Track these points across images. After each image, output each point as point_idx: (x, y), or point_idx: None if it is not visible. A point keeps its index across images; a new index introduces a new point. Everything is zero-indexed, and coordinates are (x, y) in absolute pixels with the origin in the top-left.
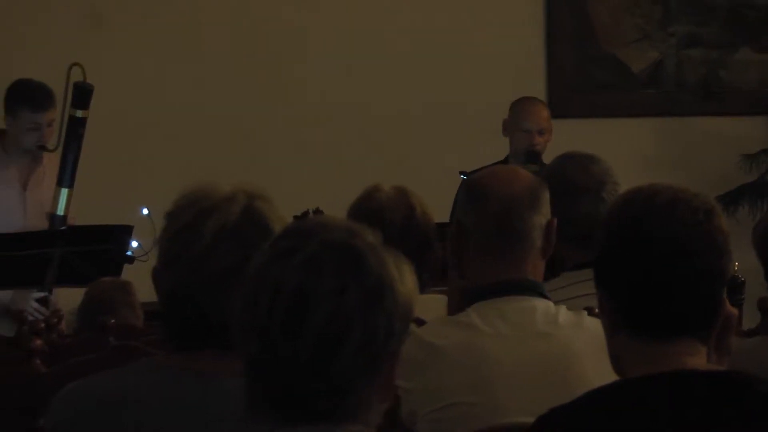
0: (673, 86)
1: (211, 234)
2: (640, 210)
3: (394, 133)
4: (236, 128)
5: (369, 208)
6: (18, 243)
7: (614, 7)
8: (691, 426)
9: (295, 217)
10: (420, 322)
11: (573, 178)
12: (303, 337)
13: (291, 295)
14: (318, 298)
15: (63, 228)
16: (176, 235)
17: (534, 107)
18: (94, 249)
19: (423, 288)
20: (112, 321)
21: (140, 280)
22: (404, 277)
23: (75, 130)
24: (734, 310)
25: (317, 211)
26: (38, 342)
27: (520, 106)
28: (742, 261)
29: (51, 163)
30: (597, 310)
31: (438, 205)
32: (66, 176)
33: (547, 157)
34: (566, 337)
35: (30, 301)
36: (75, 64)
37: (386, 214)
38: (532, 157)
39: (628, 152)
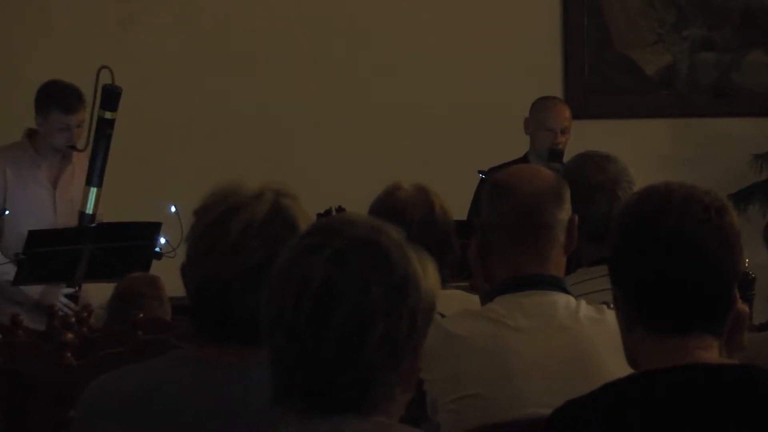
0: (686, 88)
1: (238, 231)
2: (654, 208)
3: (413, 132)
4: (261, 128)
5: (390, 205)
6: (49, 239)
7: (630, 11)
8: (704, 418)
9: (319, 214)
10: (441, 316)
11: (589, 176)
12: (328, 331)
13: (317, 290)
14: (343, 292)
15: (93, 225)
16: (205, 232)
17: (557, 107)
18: (124, 245)
19: (443, 283)
20: (141, 315)
21: (168, 276)
22: (427, 273)
23: (103, 131)
24: (745, 308)
25: (340, 209)
26: (69, 335)
27: (543, 106)
28: (752, 258)
29: (80, 161)
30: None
31: (456, 202)
32: (95, 176)
33: (565, 157)
34: (586, 331)
35: (60, 297)
36: (104, 67)
37: (407, 211)
38: (555, 155)
39: (643, 152)
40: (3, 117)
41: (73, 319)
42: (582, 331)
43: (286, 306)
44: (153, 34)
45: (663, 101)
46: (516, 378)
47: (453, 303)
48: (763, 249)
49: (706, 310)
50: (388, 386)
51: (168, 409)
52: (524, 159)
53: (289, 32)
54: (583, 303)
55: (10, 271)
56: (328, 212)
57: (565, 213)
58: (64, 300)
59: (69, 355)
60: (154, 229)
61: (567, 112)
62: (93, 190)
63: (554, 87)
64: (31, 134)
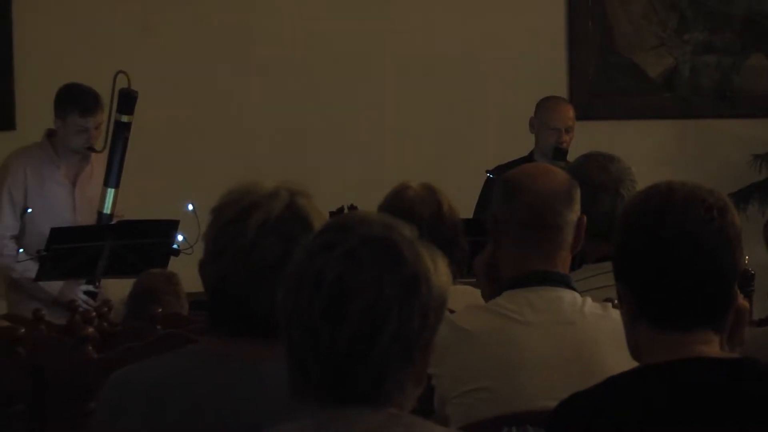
0: (688, 90)
1: (254, 228)
2: (657, 208)
3: (421, 133)
4: (275, 130)
5: (399, 204)
6: (71, 236)
7: (633, 16)
8: (707, 411)
9: (331, 212)
10: (449, 312)
11: (593, 176)
12: (342, 326)
13: (331, 286)
14: (357, 288)
15: (113, 222)
16: (222, 230)
17: (561, 106)
18: (143, 242)
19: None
20: (159, 310)
21: (185, 272)
22: (439, 270)
23: (120, 134)
24: (745, 304)
25: (352, 207)
26: (90, 330)
27: (548, 105)
28: (752, 255)
29: (99, 161)
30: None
31: (463, 201)
32: (112, 177)
33: (571, 157)
34: (591, 326)
35: (78, 293)
36: (120, 71)
37: (416, 210)
38: (559, 154)
39: (646, 152)
40: (27, 118)
41: (94, 314)
42: (587, 326)
43: (301, 302)
44: (168, 39)
45: (665, 103)
46: (523, 372)
47: (461, 299)
48: (762, 246)
49: (708, 307)
50: (400, 379)
51: (186, 402)
52: (529, 157)
53: (302, 35)
54: (588, 299)
55: (31, 268)
56: (340, 210)
57: (574, 214)
58: (83, 296)
59: (90, 348)
60: (172, 226)
61: (571, 112)
62: (110, 191)
63: (560, 89)
64: (50, 135)
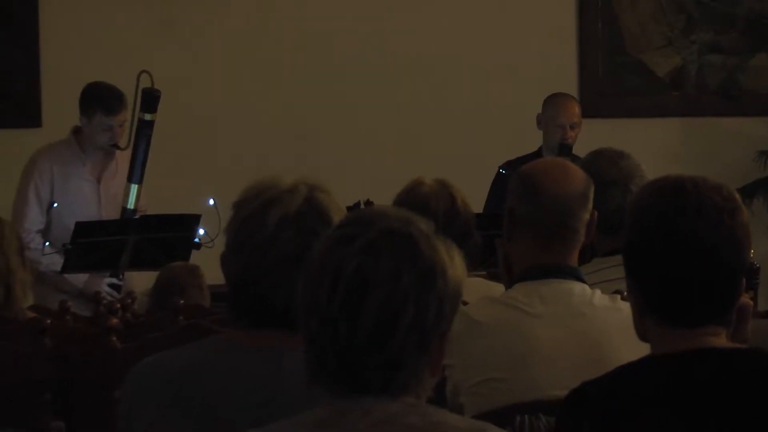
0: (695, 89)
1: (274, 222)
2: (668, 208)
3: (435, 130)
4: (293, 127)
5: (414, 199)
6: (95, 230)
7: (641, 17)
8: (713, 400)
9: (348, 207)
10: (463, 304)
11: (604, 172)
12: (361, 317)
13: (350, 278)
14: (375, 281)
15: (136, 217)
16: (243, 224)
17: (566, 103)
18: (165, 236)
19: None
20: (182, 302)
21: (207, 265)
22: (454, 262)
23: (144, 131)
24: (749, 301)
25: (368, 203)
26: (114, 321)
27: (554, 102)
28: (757, 248)
29: (122, 158)
30: (626, 293)
31: (475, 196)
32: (135, 174)
33: (581, 153)
34: (600, 317)
35: (103, 286)
36: (144, 71)
37: (430, 204)
38: (564, 150)
39: (654, 149)
40: (52, 116)
41: (118, 306)
42: (597, 317)
43: (320, 294)
44: (189, 39)
45: (673, 101)
46: (535, 362)
47: (474, 291)
48: (767, 239)
49: (716, 305)
50: (416, 369)
51: (207, 391)
52: (538, 153)
53: (317, 36)
54: (597, 291)
55: (57, 261)
56: (356, 205)
57: (588, 213)
58: (107, 289)
59: (114, 339)
60: (194, 220)
61: (576, 109)
62: (134, 187)
63: (570, 87)
64: (76, 132)
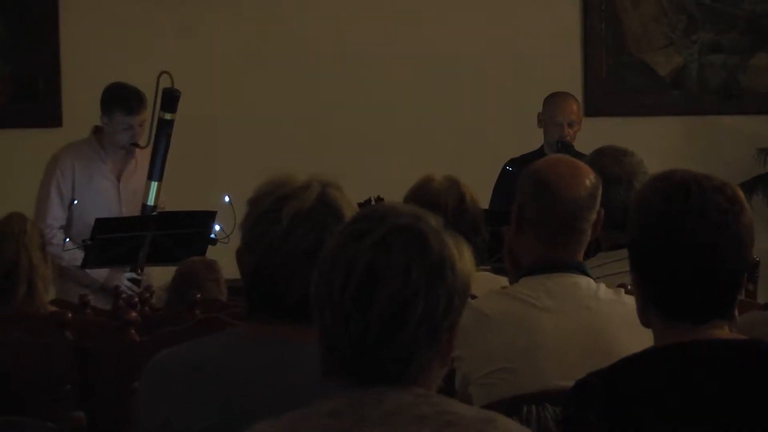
0: (696, 88)
1: (288, 218)
2: (672, 210)
3: (443, 128)
4: (305, 126)
5: (424, 195)
6: (114, 227)
7: (644, 18)
8: (716, 390)
9: (359, 204)
10: (472, 297)
11: (608, 169)
12: (372, 310)
13: (362, 273)
14: (386, 275)
15: (154, 213)
16: (258, 220)
17: (564, 101)
18: (182, 232)
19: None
20: (199, 296)
21: (222, 260)
22: (463, 256)
23: (164, 130)
24: None
25: (379, 199)
26: (133, 314)
27: (552, 101)
28: (757, 242)
29: (142, 156)
30: (629, 286)
31: (483, 193)
32: (155, 171)
33: (585, 151)
34: (605, 310)
35: (123, 280)
36: (164, 72)
37: (440, 200)
38: (563, 147)
39: (657, 147)
40: (73, 116)
41: (137, 300)
42: (602, 310)
43: (333, 288)
44: (206, 41)
45: (675, 100)
46: (542, 354)
47: (482, 284)
48: (766, 234)
49: (719, 302)
50: (427, 360)
51: (224, 382)
52: (540, 151)
53: (329, 37)
54: (602, 285)
55: (78, 256)
56: (367, 202)
57: (596, 213)
58: (127, 283)
59: (133, 332)
60: (210, 217)
61: (575, 106)
62: (154, 184)
63: (574, 87)
64: (97, 131)
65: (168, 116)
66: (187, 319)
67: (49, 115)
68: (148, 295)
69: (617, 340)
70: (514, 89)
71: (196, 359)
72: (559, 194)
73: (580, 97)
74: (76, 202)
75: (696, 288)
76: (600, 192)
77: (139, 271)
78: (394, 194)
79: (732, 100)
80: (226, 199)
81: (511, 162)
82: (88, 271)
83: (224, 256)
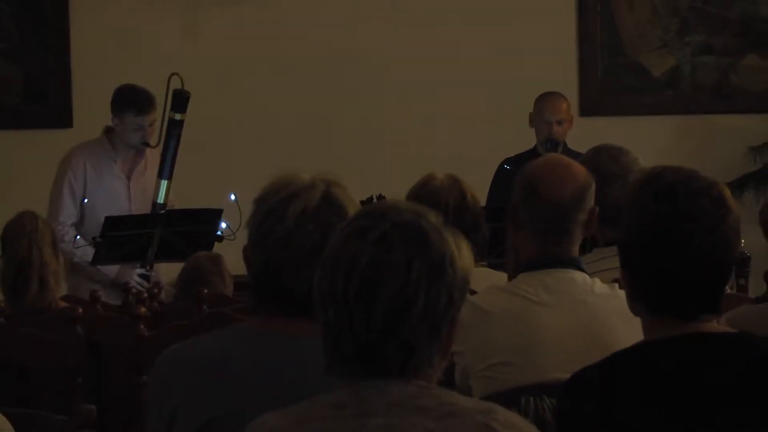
0: (689, 88)
1: (294, 217)
2: (659, 213)
3: (442, 127)
4: (310, 126)
5: (427, 193)
6: (124, 224)
7: (638, 20)
8: (707, 382)
9: (362, 202)
10: (471, 293)
11: (604, 166)
12: (375, 305)
13: (365, 269)
14: (388, 270)
15: (162, 211)
16: (264, 218)
17: (552, 100)
18: (190, 229)
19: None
20: (206, 291)
21: (228, 257)
22: (462, 253)
23: (174, 130)
24: None
25: (380, 197)
26: (142, 309)
27: (541, 100)
28: (747, 238)
29: (152, 155)
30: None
31: (481, 191)
32: (165, 170)
33: (581, 150)
34: (601, 304)
35: (134, 275)
36: (174, 73)
37: (442, 198)
38: (552, 144)
39: (651, 145)
40: (83, 117)
41: (146, 295)
42: (597, 305)
43: (337, 283)
44: (212, 44)
45: (668, 100)
46: (539, 347)
47: (482, 280)
48: (757, 229)
49: (707, 298)
50: (428, 354)
51: (231, 375)
52: (534, 149)
53: (333, 39)
54: (597, 280)
55: (89, 253)
56: (369, 199)
57: (585, 213)
58: (138, 279)
59: (142, 327)
60: (216, 215)
61: (563, 105)
62: (164, 183)
63: (570, 87)
64: (108, 132)
65: (178, 116)
66: (195, 314)
67: (60, 116)
68: (156, 290)
69: (612, 334)
70: (513, 89)
71: (204, 353)
72: (544, 196)
73: (576, 96)
74: (86, 201)
75: (684, 287)
76: (591, 191)
77: (149, 267)
78: (396, 192)
79: (724, 99)
80: (232, 197)
81: (507, 161)
82: (100, 267)
83: (230, 253)
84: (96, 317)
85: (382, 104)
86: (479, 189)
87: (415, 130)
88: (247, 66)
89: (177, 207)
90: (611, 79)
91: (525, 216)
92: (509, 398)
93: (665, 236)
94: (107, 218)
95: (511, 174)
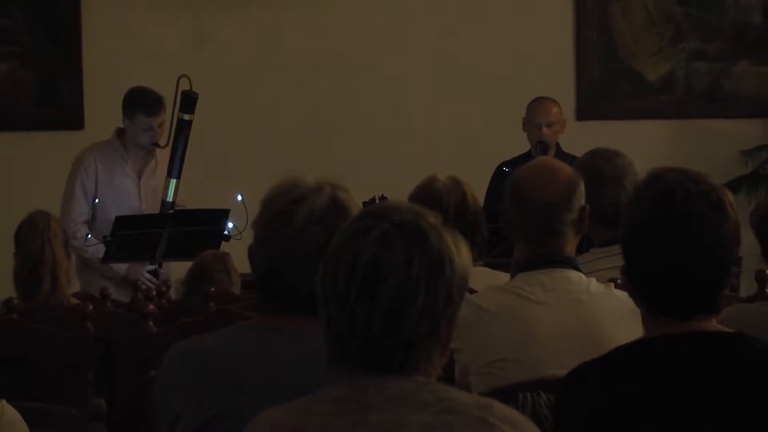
0: (683, 93)
1: (302, 219)
2: (658, 216)
3: (443, 132)
4: (314, 128)
5: (428, 194)
6: (133, 223)
7: (634, 27)
8: (702, 379)
9: (364, 202)
10: (470, 291)
11: (600, 169)
12: (375, 303)
13: (366, 268)
14: (389, 269)
15: (171, 211)
16: (270, 219)
17: (542, 104)
18: (197, 229)
19: (473, 262)
20: (213, 289)
21: (235, 256)
22: (461, 252)
23: (182, 131)
24: None
25: (383, 198)
26: (151, 306)
27: (532, 105)
28: None
29: (162, 155)
30: (619, 281)
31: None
32: (174, 169)
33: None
34: (597, 303)
35: (143, 273)
36: (183, 75)
37: (443, 199)
38: (542, 147)
39: (645, 149)
40: (94, 119)
41: (154, 293)
42: (593, 303)
43: (338, 282)
44: (220, 46)
45: (663, 105)
46: (537, 344)
47: (481, 279)
48: (748, 231)
49: (706, 298)
50: (427, 350)
51: (237, 371)
52: (528, 152)
53: (336, 44)
54: (593, 280)
55: (101, 250)
56: (372, 200)
57: (573, 213)
58: (148, 276)
59: (151, 323)
60: (223, 215)
61: (553, 108)
62: (173, 182)
63: (567, 92)
64: (119, 133)
65: (186, 117)
66: (201, 312)
67: (72, 119)
68: (164, 288)
69: (608, 331)
70: (512, 93)
71: (211, 349)
72: (529, 200)
73: (572, 101)
74: (97, 201)
75: (682, 288)
76: (579, 191)
77: (157, 265)
78: (397, 193)
79: (717, 104)
80: (239, 197)
81: (505, 163)
82: (109, 264)
83: (237, 252)
84: (106, 314)
85: (385, 106)
86: (478, 191)
87: (416, 133)
88: (253, 69)
89: (187, 205)
90: (607, 84)
91: (514, 219)
92: (507, 394)
93: (659, 239)
94: (117, 218)
95: (508, 176)
